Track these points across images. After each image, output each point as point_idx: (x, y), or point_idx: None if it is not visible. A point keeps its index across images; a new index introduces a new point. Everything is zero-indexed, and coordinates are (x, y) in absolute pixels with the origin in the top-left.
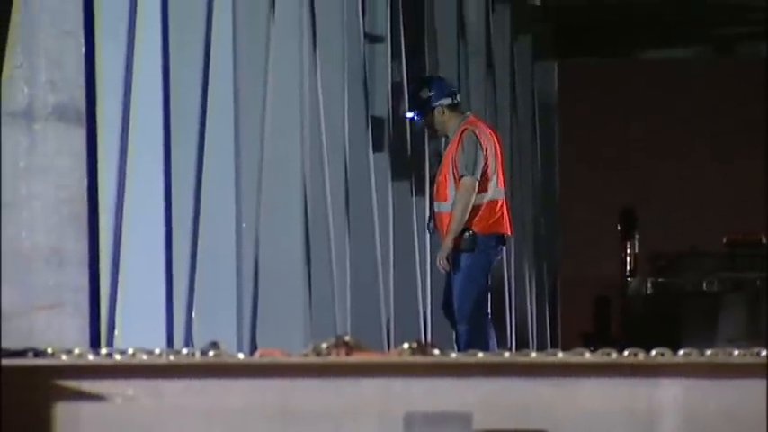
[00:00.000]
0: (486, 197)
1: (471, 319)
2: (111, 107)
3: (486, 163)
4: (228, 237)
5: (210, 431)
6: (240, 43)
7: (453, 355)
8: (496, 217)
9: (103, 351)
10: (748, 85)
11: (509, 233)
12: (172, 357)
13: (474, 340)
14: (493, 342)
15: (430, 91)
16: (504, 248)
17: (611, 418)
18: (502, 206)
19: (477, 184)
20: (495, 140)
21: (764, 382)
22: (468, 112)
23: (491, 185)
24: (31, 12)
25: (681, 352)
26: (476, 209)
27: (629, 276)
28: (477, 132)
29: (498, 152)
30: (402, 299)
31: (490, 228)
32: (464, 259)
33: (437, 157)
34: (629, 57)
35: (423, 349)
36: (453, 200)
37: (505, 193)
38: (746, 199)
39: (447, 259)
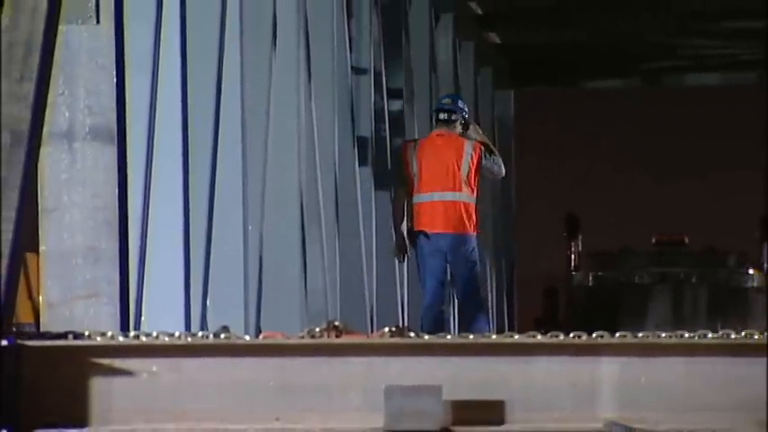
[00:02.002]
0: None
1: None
2: (139, 129)
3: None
4: (237, 238)
5: (222, 401)
6: (247, 75)
7: (426, 337)
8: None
9: (132, 334)
10: (674, 110)
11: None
12: (189, 339)
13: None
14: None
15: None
16: (444, 240)
17: (558, 389)
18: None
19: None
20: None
21: (685, 359)
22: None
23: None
24: (72, 49)
25: (617, 334)
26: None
27: (573, 271)
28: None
29: None
30: (383, 290)
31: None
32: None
33: None
34: (575, 86)
35: (400, 332)
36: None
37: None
38: (671, 206)
39: None
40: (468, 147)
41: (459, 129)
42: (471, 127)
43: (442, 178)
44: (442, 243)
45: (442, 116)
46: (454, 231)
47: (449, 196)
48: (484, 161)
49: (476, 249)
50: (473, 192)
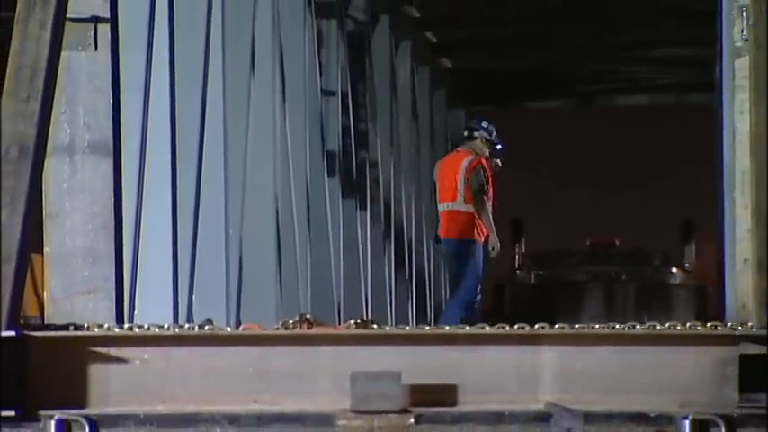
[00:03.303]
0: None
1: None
2: (132, 144)
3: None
4: (219, 240)
5: (206, 386)
6: (228, 97)
7: (387, 328)
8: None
9: (126, 325)
10: (605, 128)
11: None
12: (177, 330)
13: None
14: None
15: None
16: (448, 245)
17: (504, 374)
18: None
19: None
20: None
21: (616, 348)
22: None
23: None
24: (73, 73)
25: (556, 326)
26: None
27: (518, 270)
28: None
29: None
30: (349, 287)
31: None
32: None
33: (374, 183)
34: (517, 106)
35: (365, 324)
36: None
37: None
38: (604, 213)
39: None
40: (464, 162)
41: (478, 146)
42: (479, 143)
43: (445, 191)
44: (447, 247)
45: (464, 133)
46: (454, 237)
47: (450, 206)
48: (472, 177)
49: (473, 253)
50: (471, 202)
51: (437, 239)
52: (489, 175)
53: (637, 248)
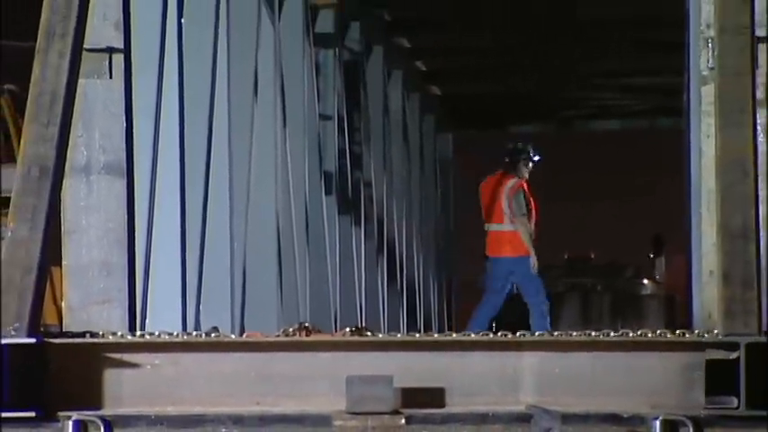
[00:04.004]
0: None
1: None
2: (144, 165)
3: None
4: (224, 254)
5: (212, 389)
6: (233, 121)
7: (380, 335)
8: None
9: (138, 333)
10: (582, 150)
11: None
12: (185, 337)
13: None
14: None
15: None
16: (494, 264)
17: (489, 378)
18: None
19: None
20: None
21: (592, 354)
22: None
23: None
24: (89, 99)
25: (536, 333)
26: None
27: None
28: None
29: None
30: (345, 297)
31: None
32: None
33: (368, 202)
34: (502, 129)
35: (359, 332)
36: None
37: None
38: (581, 229)
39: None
40: (507, 186)
41: (519, 169)
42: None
43: (491, 213)
44: (498, 266)
45: (505, 158)
46: (509, 256)
47: (497, 227)
48: (513, 200)
49: (530, 265)
50: (513, 222)
51: (486, 257)
52: (530, 197)
53: (611, 261)
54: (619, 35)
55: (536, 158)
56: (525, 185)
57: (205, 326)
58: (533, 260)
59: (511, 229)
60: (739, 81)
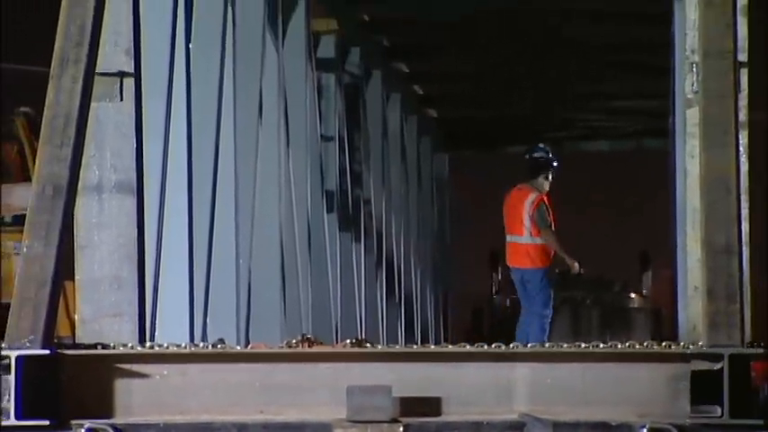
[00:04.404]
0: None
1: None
2: (153, 184)
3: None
4: (230, 269)
5: (218, 398)
6: (239, 141)
7: (379, 347)
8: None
9: (147, 344)
10: (571, 170)
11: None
12: (192, 349)
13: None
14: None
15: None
16: (513, 273)
17: (483, 388)
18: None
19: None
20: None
21: (582, 365)
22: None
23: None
24: (101, 121)
25: (529, 345)
26: None
27: (495, 294)
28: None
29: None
30: (345, 310)
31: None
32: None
33: (368, 219)
34: (495, 150)
35: (359, 344)
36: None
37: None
38: (571, 244)
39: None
40: (528, 200)
41: (540, 182)
42: (542, 180)
43: (512, 225)
44: (516, 275)
45: (527, 172)
46: (525, 266)
47: (517, 239)
48: (536, 214)
49: (542, 278)
50: (538, 235)
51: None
52: (550, 209)
53: (600, 276)
54: (608, 60)
55: (555, 165)
56: (546, 199)
57: (212, 338)
58: (572, 263)
59: (529, 242)
60: (722, 104)
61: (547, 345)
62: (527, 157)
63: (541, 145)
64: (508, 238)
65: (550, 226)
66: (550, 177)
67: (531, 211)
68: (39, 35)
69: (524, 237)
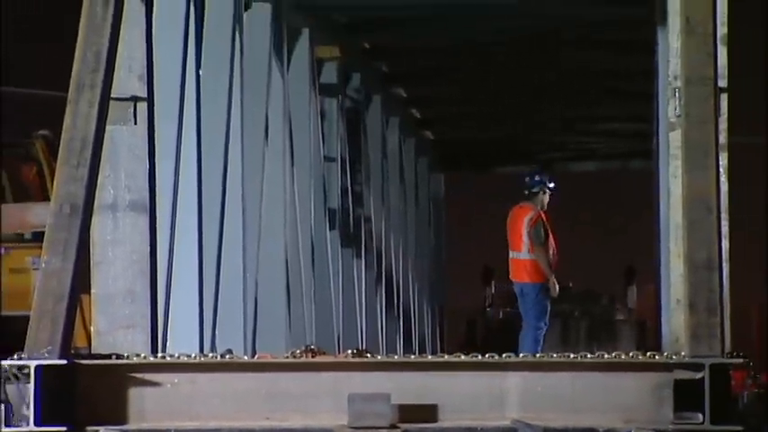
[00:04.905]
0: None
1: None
2: (165, 203)
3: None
4: (238, 284)
5: (226, 406)
6: (246, 162)
7: (379, 357)
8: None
9: (159, 355)
10: (561, 189)
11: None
12: (202, 359)
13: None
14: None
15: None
16: (514, 286)
17: (476, 396)
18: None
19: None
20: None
21: (571, 374)
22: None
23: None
24: (115, 143)
25: (521, 355)
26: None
27: (488, 307)
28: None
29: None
30: (347, 322)
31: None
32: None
33: (368, 236)
34: (488, 171)
35: (360, 354)
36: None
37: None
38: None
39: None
40: (527, 218)
41: (539, 201)
42: (540, 198)
43: (513, 241)
44: (517, 289)
45: (525, 192)
46: (524, 281)
47: (517, 255)
48: (533, 231)
49: (539, 292)
50: (532, 250)
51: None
52: (549, 228)
53: (588, 290)
54: (594, 85)
55: (551, 186)
56: (544, 216)
57: (220, 348)
58: (552, 284)
59: (528, 258)
60: (703, 128)
61: (537, 355)
62: (527, 179)
63: (538, 170)
64: (510, 253)
65: (544, 243)
66: (548, 196)
67: (528, 227)
68: (55, 61)
69: (523, 252)
